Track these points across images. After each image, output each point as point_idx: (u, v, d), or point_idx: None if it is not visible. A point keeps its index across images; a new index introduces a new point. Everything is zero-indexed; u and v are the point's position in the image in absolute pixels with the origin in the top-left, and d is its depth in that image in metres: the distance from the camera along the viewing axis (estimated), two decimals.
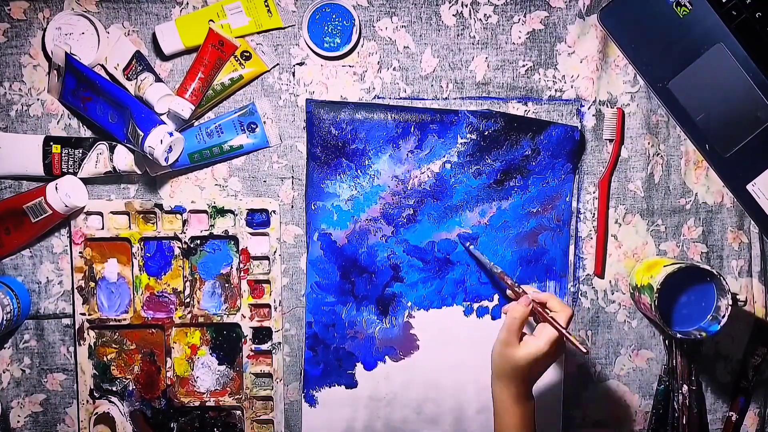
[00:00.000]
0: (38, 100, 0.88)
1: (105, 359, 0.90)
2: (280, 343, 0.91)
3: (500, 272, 0.86)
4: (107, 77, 0.87)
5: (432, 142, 0.88)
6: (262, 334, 0.91)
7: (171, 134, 0.83)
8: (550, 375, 0.91)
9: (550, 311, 0.79)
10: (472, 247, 0.89)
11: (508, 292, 0.87)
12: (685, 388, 0.90)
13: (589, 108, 0.90)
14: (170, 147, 0.84)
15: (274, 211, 0.89)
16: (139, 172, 0.88)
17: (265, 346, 0.90)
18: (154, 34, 0.87)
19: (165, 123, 0.85)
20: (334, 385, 0.91)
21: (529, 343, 0.77)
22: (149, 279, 0.90)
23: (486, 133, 0.88)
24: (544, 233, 0.90)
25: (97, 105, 0.85)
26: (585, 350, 0.75)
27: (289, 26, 0.88)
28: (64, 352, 0.91)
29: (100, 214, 0.89)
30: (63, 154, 0.87)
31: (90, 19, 0.86)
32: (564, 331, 0.77)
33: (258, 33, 0.88)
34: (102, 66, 0.87)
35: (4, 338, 0.90)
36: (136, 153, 0.87)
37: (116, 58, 0.87)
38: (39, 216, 0.85)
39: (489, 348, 0.91)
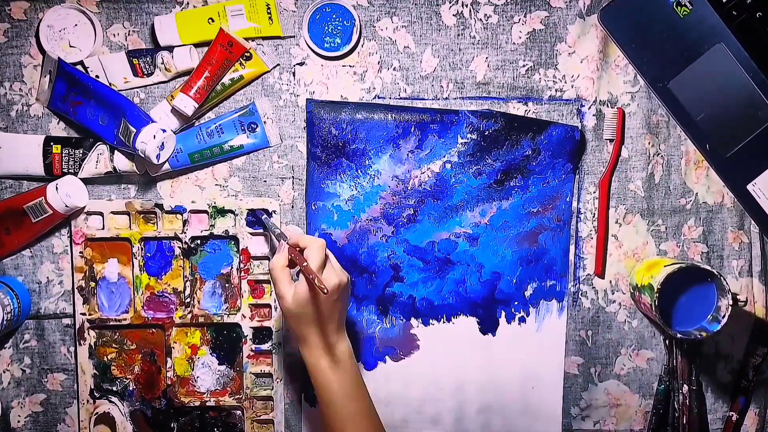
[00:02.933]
0: (38, 100, 0.88)
1: (105, 359, 0.91)
2: (280, 343, 0.91)
3: (278, 233, 0.83)
4: (104, 76, 0.87)
5: (432, 142, 0.88)
6: (262, 334, 0.91)
7: (164, 131, 0.84)
8: (551, 375, 0.91)
9: (303, 250, 0.76)
10: (264, 217, 0.87)
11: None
12: (685, 388, 0.90)
13: (589, 108, 0.90)
14: (162, 144, 0.84)
15: (274, 211, 0.89)
16: (139, 172, 0.88)
17: (265, 346, 0.91)
18: (152, 25, 0.87)
19: (157, 123, 0.85)
20: None
21: (294, 289, 0.75)
22: (149, 279, 0.90)
23: (486, 133, 0.88)
24: (545, 233, 0.90)
25: (87, 108, 0.85)
26: (325, 290, 0.71)
27: (288, 36, 0.88)
28: (64, 352, 0.91)
29: (101, 214, 0.89)
30: (63, 154, 0.87)
31: (81, 10, 0.86)
32: (307, 270, 0.73)
33: (254, 39, 0.88)
34: (101, 67, 0.87)
35: (4, 338, 0.90)
36: (137, 153, 0.87)
37: (119, 74, 0.87)
38: (39, 216, 0.85)
39: (489, 348, 0.91)
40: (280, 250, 0.78)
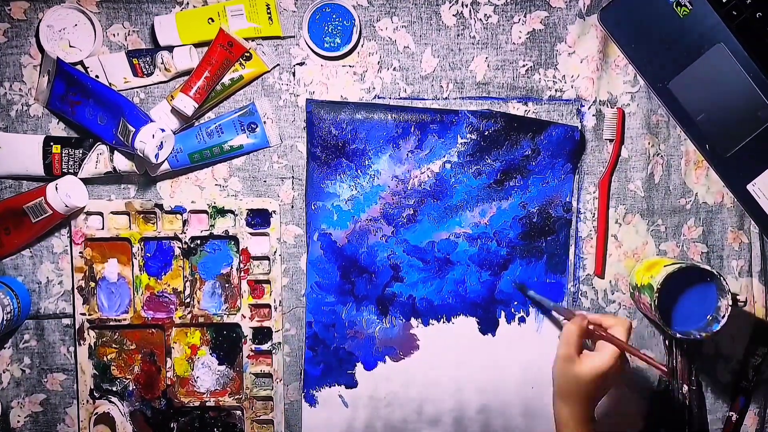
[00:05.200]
0: (37, 99, 0.88)
1: (105, 359, 0.91)
2: (280, 343, 0.91)
3: (554, 306, 0.86)
4: (104, 76, 0.87)
5: (432, 142, 0.88)
6: (262, 334, 0.91)
7: (163, 130, 0.84)
8: (551, 375, 0.91)
9: (607, 328, 0.78)
10: (531, 292, 0.89)
11: (563, 321, 0.86)
12: (685, 388, 0.90)
13: (589, 108, 0.90)
14: (161, 144, 0.84)
15: (274, 211, 0.89)
16: (139, 172, 0.88)
17: (265, 346, 0.91)
18: (152, 25, 0.87)
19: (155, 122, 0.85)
20: (334, 385, 0.91)
21: (591, 358, 0.76)
22: (149, 279, 0.90)
23: (486, 133, 0.88)
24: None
25: (86, 108, 0.85)
26: (665, 368, 0.74)
27: (288, 36, 0.88)
28: (64, 352, 0.91)
29: (101, 214, 0.89)
30: (63, 154, 0.87)
31: (80, 10, 0.86)
32: (627, 346, 0.76)
33: (254, 39, 0.88)
34: (101, 67, 0.87)
35: (4, 338, 0.90)
36: (136, 153, 0.87)
37: (119, 74, 0.87)
38: (39, 216, 0.85)
39: (488, 347, 0.91)
40: (575, 321, 0.78)
